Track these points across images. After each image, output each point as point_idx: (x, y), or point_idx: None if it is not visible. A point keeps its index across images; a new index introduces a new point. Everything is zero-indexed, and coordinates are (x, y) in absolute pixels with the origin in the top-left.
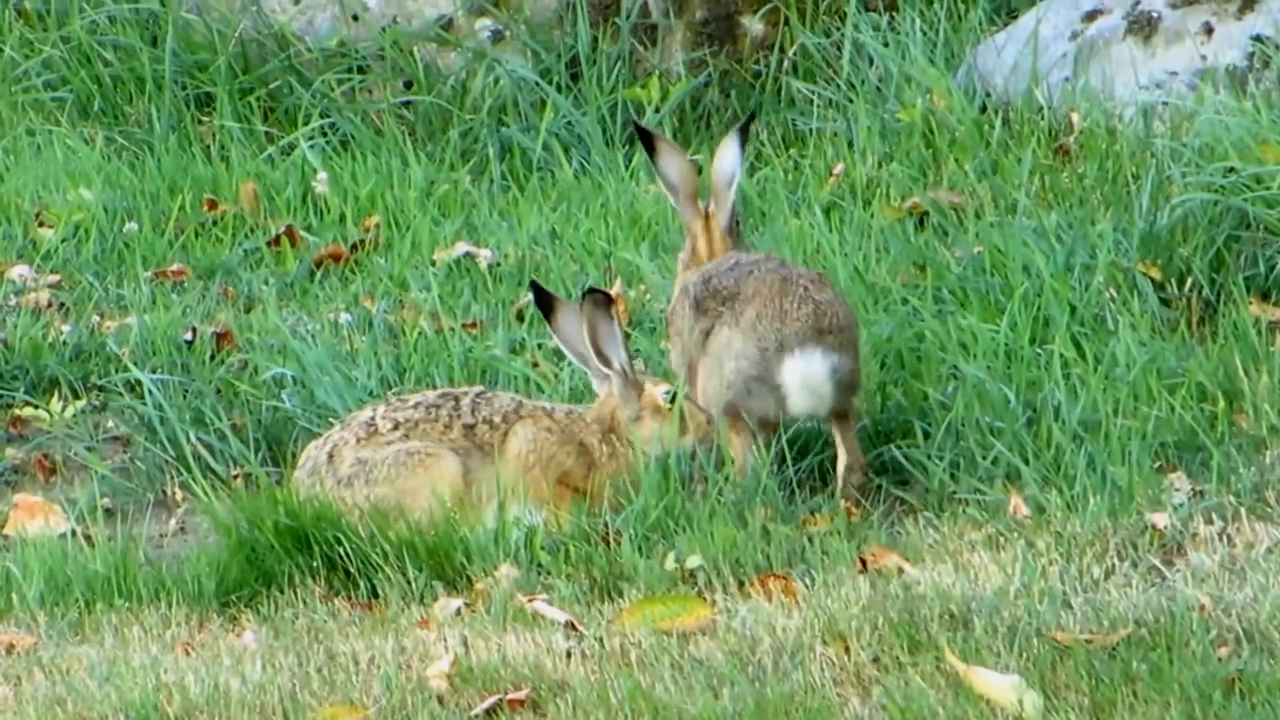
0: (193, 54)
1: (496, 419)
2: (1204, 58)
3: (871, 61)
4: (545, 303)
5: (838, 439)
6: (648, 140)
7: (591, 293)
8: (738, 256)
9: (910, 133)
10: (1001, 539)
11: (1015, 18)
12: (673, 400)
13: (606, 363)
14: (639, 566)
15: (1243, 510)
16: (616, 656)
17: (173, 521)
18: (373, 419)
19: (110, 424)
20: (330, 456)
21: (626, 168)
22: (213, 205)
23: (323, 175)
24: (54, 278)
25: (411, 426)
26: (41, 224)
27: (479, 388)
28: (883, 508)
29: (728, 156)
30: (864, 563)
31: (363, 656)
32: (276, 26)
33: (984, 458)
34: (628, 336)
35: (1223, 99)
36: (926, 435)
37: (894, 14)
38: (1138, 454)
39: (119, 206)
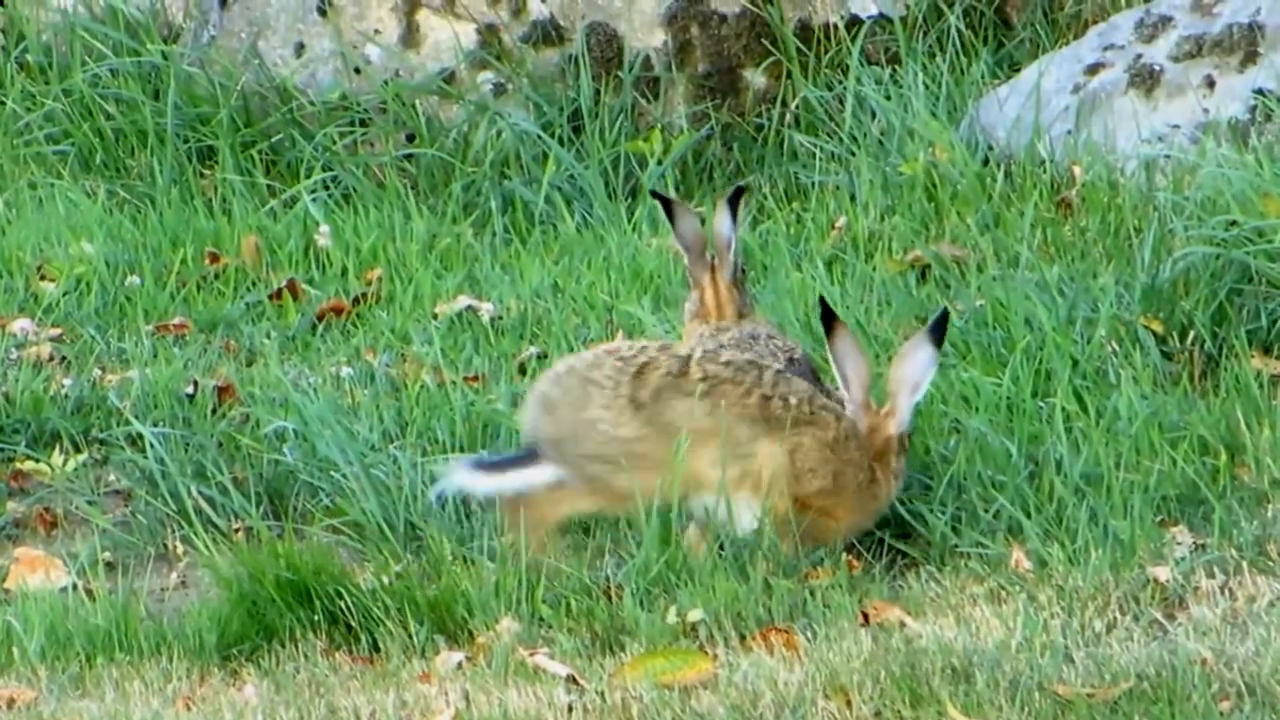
0: (195, 107)
1: (792, 400)
2: (1206, 111)
3: (874, 115)
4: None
5: None
6: (666, 206)
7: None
8: (753, 332)
9: (912, 186)
10: (1003, 592)
11: (1017, 71)
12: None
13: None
14: (640, 620)
15: (1245, 564)
16: (618, 710)
17: (174, 575)
18: (688, 360)
19: (111, 477)
20: (640, 371)
21: (629, 220)
22: (214, 259)
23: (324, 228)
24: (55, 331)
25: (717, 383)
26: (43, 277)
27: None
28: (884, 561)
29: (722, 224)
30: (865, 616)
31: (364, 711)
32: (278, 80)
33: (985, 511)
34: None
35: (1225, 152)
36: (928, 489)
37: (896, 67)
38: (1139, 507)
39: (120, 260)
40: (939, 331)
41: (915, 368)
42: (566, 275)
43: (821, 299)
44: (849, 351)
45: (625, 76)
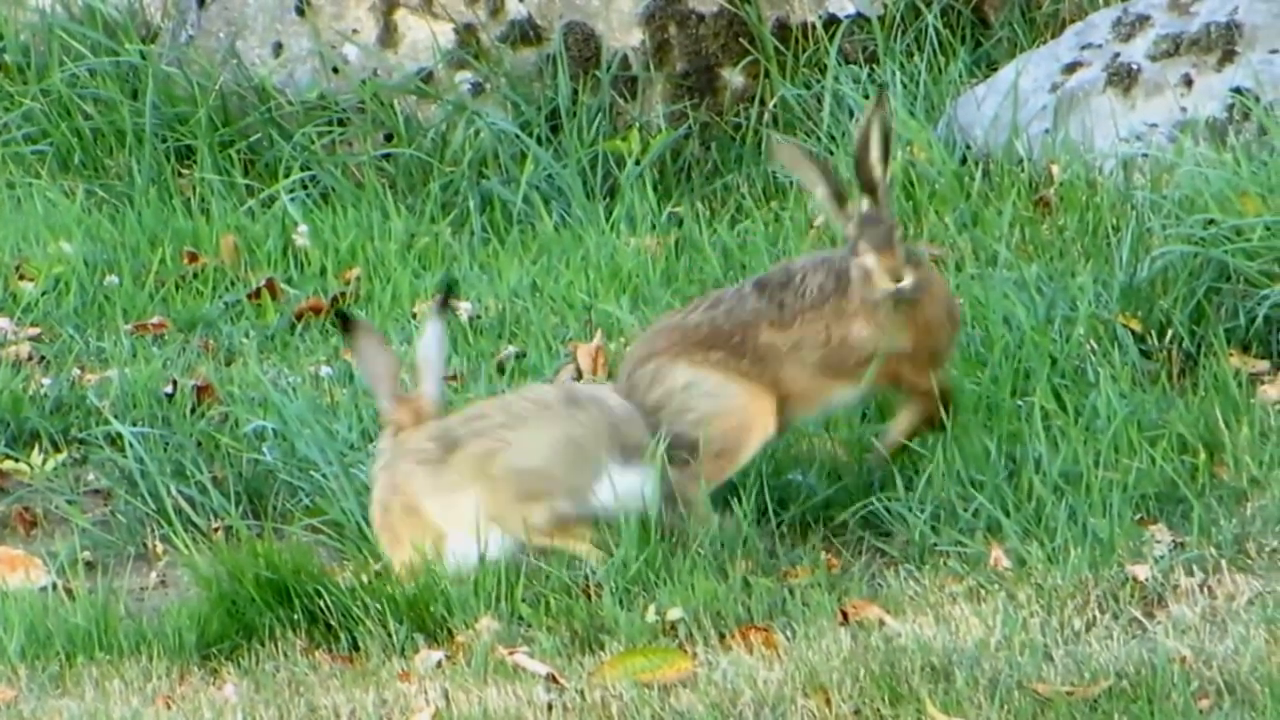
0: (173, 107)
1: None
2: (1184, 110)
3: (852, 114)
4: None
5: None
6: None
7: None
8: None
9: (890, 185)
10: (982, 591)
11: (995, 70)
12: None
13: None
14: (620, 619)
15: (1224, 562)
16: (597, 709)
17: (153, 574)
18: None
19: (91, 477)
20: None
21: (607, 220)
22: (193, 258)
23: (303, 228)
24: (34, 330)
25: None
26: (22, 277)
27: None
28: (863, 560)
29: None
30: (845, 615)
31: (344, 710)
32: (257, 79)
33: (965, 510)
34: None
35: (1202, 151)
36: (907, 487)
37: (874, 66)
38: (1118, 506)
39: (99, 259)
40: (443, 304)
41: (430, 347)
42: (545, 275)
43: (338, 311)
44: (373, 350)
45: (603, 76)
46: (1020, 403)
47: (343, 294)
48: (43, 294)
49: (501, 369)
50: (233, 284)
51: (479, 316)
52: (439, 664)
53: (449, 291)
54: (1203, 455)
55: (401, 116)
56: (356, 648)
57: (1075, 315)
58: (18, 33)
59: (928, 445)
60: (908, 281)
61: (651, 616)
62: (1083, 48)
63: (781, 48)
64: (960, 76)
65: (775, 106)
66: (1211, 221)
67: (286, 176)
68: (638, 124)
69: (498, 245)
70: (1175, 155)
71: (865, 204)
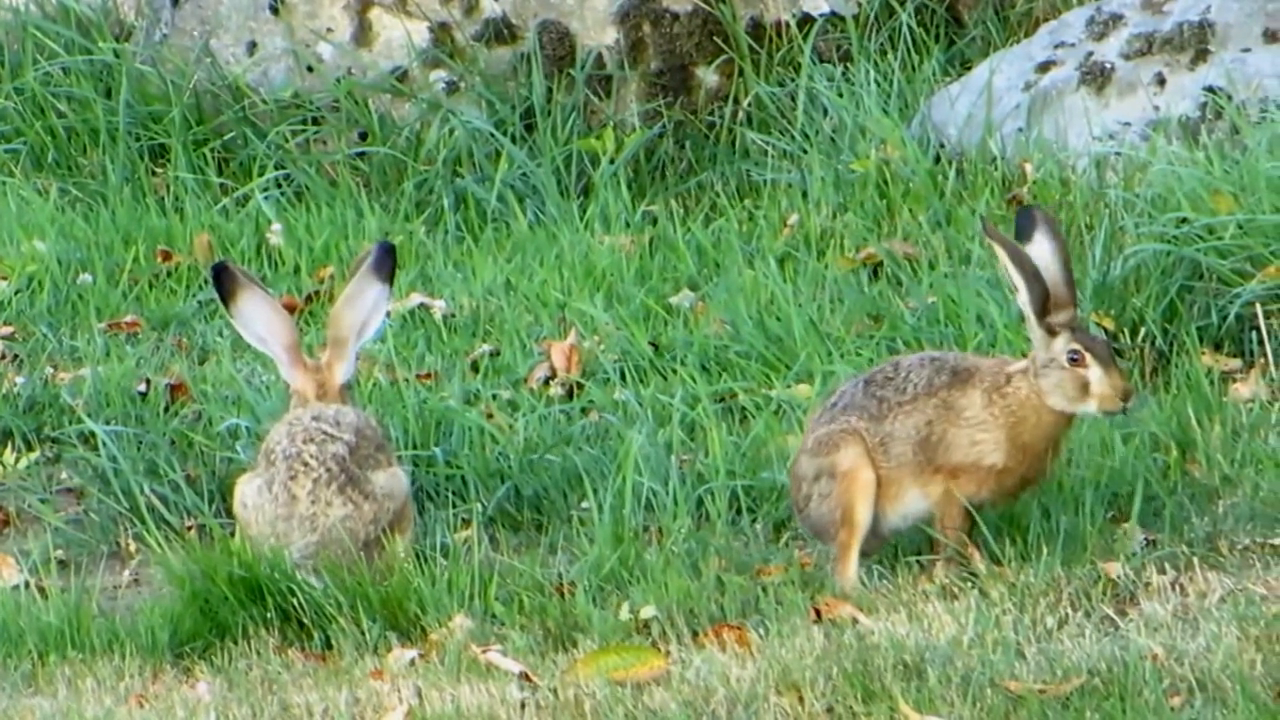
0: (147, 105)
1: None
2: (1157, 108)
3: (826, 112)
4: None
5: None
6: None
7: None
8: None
9: (864, 183)
10: (955, 589)
11: (969, 69)
12: None
13: None
14: (593, 617)
15: (1195, 560)
16: (570, 707)
17: (126, 573)
18: None
19: (64, 475)
20: None
21: (581, 218)
22: (167, 256)
23: (277, 226)
24: (7, 329)
25: None
26: None
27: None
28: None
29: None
30: (818, 613)
31: (316, 708)
32: (231, 78)
33: None
34: None
35: (1175, 149)
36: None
37: (848, 65)
38: (1091, 504)
39: (73, 258)
40: (386, 266)
41: (362, 309)
42: (519, 273)
43: (215, 266)
44: (260, 309)
45: (577, 74)
46: None
47: (316, 293)
48: (16, 292)
49: (475, 367)
50: (206, 282)
51: (453, 314)
52: (412, 662)
53: (391, 252)
54: (1175, 453)
55: (376, 115)
56: (329, 646)
57: None
58: None
59: None
60: (1134, 402)
61: (625, 615)
62: (1056, 46)
63: (756, 46)
64: (934, 75)
65: (749, 105)
66: (1184, 220)
67: (260, 175)
68: (612, 122)
69: (472, 243)
70: (1148, 154)
71: (1068, 316)
